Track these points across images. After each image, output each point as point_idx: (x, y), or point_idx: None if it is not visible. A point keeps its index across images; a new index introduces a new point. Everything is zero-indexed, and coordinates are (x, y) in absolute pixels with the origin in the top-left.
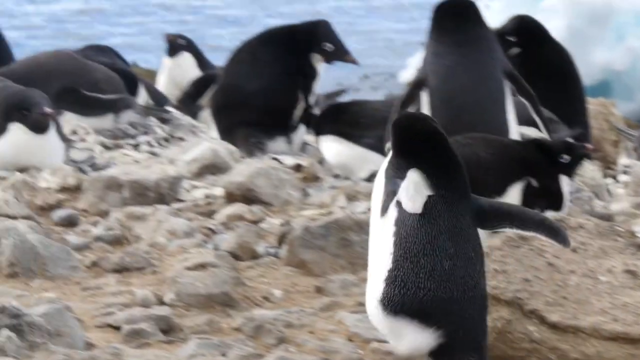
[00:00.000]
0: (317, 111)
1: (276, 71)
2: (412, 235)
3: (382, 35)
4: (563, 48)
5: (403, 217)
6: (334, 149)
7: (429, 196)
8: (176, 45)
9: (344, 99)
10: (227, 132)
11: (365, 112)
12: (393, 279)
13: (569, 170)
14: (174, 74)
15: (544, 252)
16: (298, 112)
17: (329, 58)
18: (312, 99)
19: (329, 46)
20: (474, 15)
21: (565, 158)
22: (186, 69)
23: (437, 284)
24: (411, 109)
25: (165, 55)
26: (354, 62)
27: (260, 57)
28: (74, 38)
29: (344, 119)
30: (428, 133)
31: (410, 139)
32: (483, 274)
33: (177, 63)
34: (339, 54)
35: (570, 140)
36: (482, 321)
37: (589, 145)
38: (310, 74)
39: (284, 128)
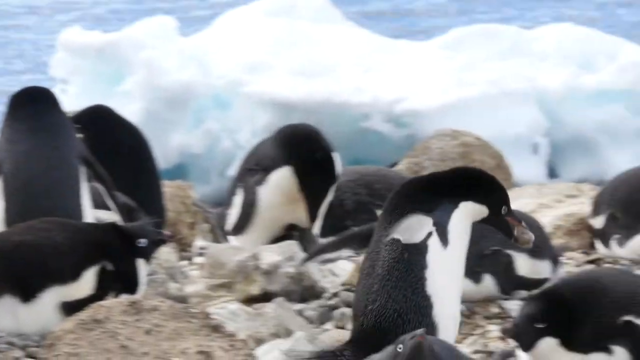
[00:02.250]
0: None
1: None
2: None
3: None
4: (136, 133)
5: None
6: None
7: None
8: None
9: None
10: None
11: None
12: None
13: (146, 254)
14: None
15: (118, 335)
16: None
17: None
18: None
19: None
20: (49, 101)
21: (143, 243)
22: None
23: None
24: None
25: None
26: None
27: None
28: None
29: None
30: None
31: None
32: None
33: None
34: None
35: (148, 226)
36: None
37: (167, 233)
38: None
39: None
